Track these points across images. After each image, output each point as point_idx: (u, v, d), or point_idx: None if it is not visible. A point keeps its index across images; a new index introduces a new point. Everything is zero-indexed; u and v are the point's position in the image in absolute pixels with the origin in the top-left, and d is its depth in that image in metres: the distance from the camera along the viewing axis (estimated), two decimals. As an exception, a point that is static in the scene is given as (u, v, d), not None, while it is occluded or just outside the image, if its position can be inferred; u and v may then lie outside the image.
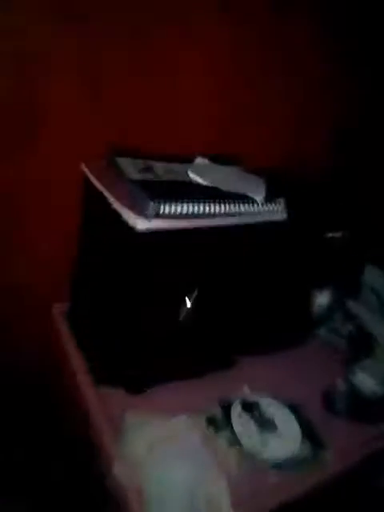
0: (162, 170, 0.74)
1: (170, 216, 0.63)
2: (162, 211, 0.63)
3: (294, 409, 0.85)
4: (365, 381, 0.95)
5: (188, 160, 0.80)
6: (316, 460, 0.78)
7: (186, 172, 0.75)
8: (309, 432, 0.82)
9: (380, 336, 1.09)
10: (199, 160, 0.80)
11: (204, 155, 0.82)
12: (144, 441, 0.73)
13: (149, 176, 0.71)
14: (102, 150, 0.77)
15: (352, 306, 1.18)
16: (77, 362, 0.84)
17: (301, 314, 0.90)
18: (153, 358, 0.79)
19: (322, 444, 0.80)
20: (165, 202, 0.63)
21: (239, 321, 0.84)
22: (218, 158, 0.83)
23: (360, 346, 1.07)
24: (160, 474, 0.69)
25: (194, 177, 0.74)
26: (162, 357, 0.79)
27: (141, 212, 0.62)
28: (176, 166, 0.77)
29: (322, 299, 0.89)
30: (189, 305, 0.73)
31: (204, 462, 0.72)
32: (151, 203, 0.62)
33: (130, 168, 0.71)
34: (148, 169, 0.73)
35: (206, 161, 0.81)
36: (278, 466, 0.75)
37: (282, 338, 0.94)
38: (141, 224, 0.61)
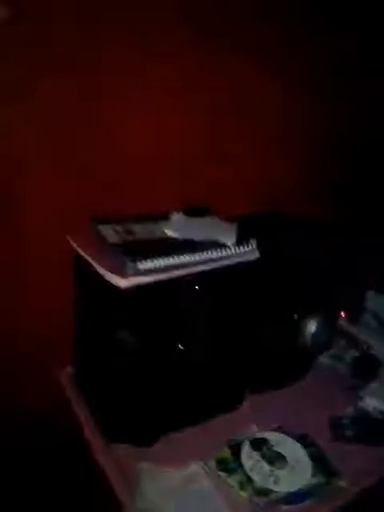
0: (140, 230, 0.82)
1: (149, 271, 0.70)
2: (141, 268, 0.69)
3: (303, 440, 0.86)
4: (372, 404, 0.96)
5: (164, 217, 0.88)
6: (330, 488, 0.78)
7: (163, 229, 0.83)
8: (320, 461, 0.83)
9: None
10: (175, 216, 0.88)
11: (178, 210, 0.90)
12: (159, 491, 0.75)
13: (128, 238, 0.78)
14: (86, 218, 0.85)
15: (353, 330, 1.21)
16: (87, 423, 0.87)
17: (294, 345, 0.93)
18: (158, 411, 0.82)
19: (334, 472, 0.81)
20: (142, 260, 0.70)
21: (235, 360, 0.87)
22: (192, 211, 0.91)
23: (364, 370, 1.09)
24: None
25: (169, 233, 0.81)
26: (166, 407, 0.82)
27: (122, 272, 0.69)
28: (153, 225, 0.85)
29: (311, 327, 0.92)
30: (181, 348, 0.77)
31: (218, 507, 0.74)
32: (130, 263, 0.68)
33: (111, 233, 0.79)
34: (127, 231, 0.80)
35: (181, 215, 0.89)
36: (292, 499, 0.76)
37: (281, 371, 0.96)
38: (124, 282, 0.67)
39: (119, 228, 0.81)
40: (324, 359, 1.12)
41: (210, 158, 1.09)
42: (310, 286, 0.94)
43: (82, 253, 0.77)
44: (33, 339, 0.94)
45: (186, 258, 0.74)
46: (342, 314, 1.21)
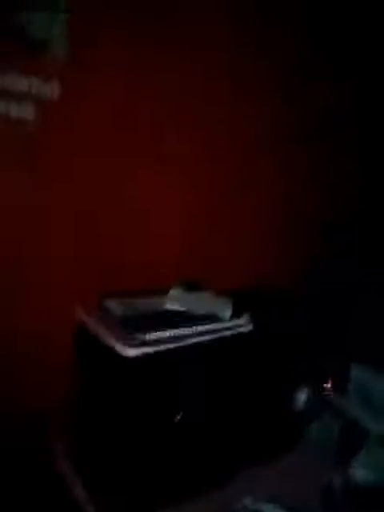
0: (143, 305, 0.90)
1: (153, 342, 0.77)
2: (147, 338, 0.76)
3: (293, 510, 0.88)
4: (360, 472, 0.99)
5: (164, 291, 0.96)
6: None
7: (163, 302, 0.91)
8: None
9: (370, 428, 1.15)
10: (173, 291, 0.97)
11: (177, 285, 0.99)
12: None
13: (133, 312, 0.86)
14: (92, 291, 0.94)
15: (340, 402, 1.25)
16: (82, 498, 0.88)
17: (285, 415, 0.98)
18: (153, 484, 0.84)
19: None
20: (148, 332, 0.77)
21: (229, 430, 0.91)
22: (189, 286, 1.00)
23: (352, 439, 1.12)
24: None
25: (170, 306, 0.90)
26: (162, 481, 0.84)
27: (129, 342, 0.75)
28: (155, 300, 0.93)
29: (301, 397, 0.98)
30: (178, 420, 0.82)
31: None
32: (137, 334, 0.75)
33: (117, 307, 0.86)
34: (131, 306, 0.88)
35: (179, 290, 0.97)
36: None
37: (272, 443, 1.00)
38: (131, 352, 0.74)
39: (124, 302, 0.89)
40: (312, 431, 1.15)
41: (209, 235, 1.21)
42: (300, 357, 1.02)
43: (92, 324, 0.84)
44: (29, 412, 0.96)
45: (187, 330, 0.81)
46: (328, 384, 1.27)
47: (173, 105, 1.11)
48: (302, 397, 0.97)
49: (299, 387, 0.98)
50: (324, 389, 1.18)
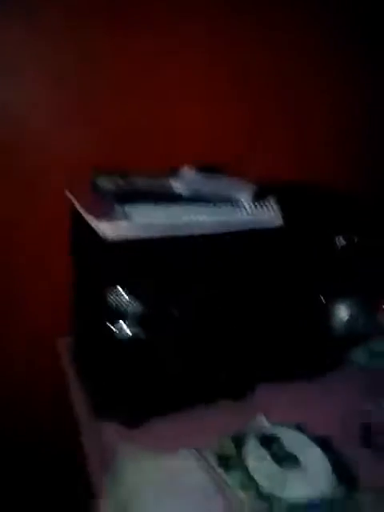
0: (143, 183, 0.72)
1: (143, 224, 0.60)
2: (134, 218, 0.60)
3: (324, 443, 0.72)
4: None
5: (174, 173, 0.78)
6: (350, 504, 0.64)
7: (170, 183, 0.73)
8: (341, 469, 0.68)
9: None
10: (186, 171, 0.78)
11: (192, 167, 0.80)
12: (137, 479, 0.64)
13: (127, 187, 0.69)
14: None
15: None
16: (77, 394, 0.79)
17: (320, 333, 0.79)
18: (153, 386, 0.72)
19: (357, 485, 0.66)
20: (137, 208, 0.60)
21: (247, 342, 0.75)
22: (207, 169, 0.80)
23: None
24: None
25: (176, 185, 0.71)
26: (164, 384, 0.72)
27: (111, 219, 0.59)
28: (159, 180, 0.75)
29: (342, 313, 0.78)
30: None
31: (209, 505, 0.62)
32: (120, 208, 0.59)
33: (110, 185, 0.70)
34: (128, 183, 0.71)
35: (193, 172, 0.78)
36: (301, 508, 0.62)
37: (304, 361, 0.83)
38: (111, 231, 0.58)
39: (121, 181, 0.72)
40: (361, 356, 0.96)
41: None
42: (346, 265, 0.80)
43: (77, 204, 0.69)
44: (32, 301, 0.88)
45: (191, 214, 0.63)
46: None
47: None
48: (343, 313, 0.77)
49: (342, 300, 0.78)
50: (376, 306, 0.97)
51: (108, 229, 0.57)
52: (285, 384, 0.84)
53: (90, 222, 0.60)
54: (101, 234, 0.58)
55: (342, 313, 0.78)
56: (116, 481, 0.63)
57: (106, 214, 0.60)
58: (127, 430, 0.71)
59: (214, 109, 0.98)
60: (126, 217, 0.59)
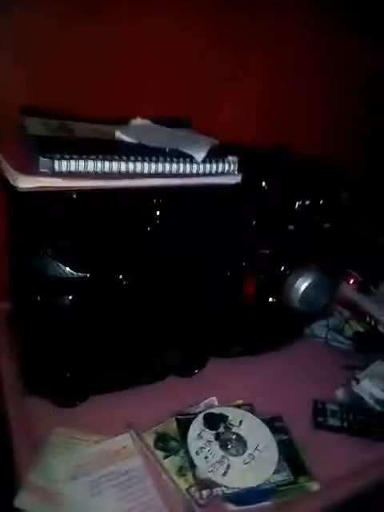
0: (82, 129, 0.61)
1: (68, 174, 0.50)
2: (57, 168, 0.49)
3: (273, 423, 0.68)
4: (368, 389, 0.76)
5: (124, 121, 0.67)
6: (295, 490, 0.60)
7: (114, 132, 0.62)
8: (289, 453, 0.64)
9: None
10: (137, 121, 0.67)
11: (146, 117, 0.69)
12: (67, 465, 0.58)
13: (59, 134, 0.58)
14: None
15: (361, 300, 0.99)
16: (7, 365, 0.71)
17: (277, 304, 0.72)
18: (90, 361, 0.64)
19: (305, 469, 0.62)
20: (62, 156, 0.50)
21: (196, 312, 0.68)
22: (166, 121, 0.69)
23: (368, 348, 0.88)
24: (82, 510, 0.54)
25: (120, 135, 0.61)
26: (102, 359, 0.64)
27: (29, 168, 0.49)
28: (104, 127, 0.64)
29: (302, 284, 0.71)
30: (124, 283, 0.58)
31: (142, 492, 0.56)
32: (40, 157, 0.48)
33: (38, 127, 0.58)
34: (63, 128, 0.60)
35: (147, 121, 0.68)
36: (243, 498, 0.58)
37: (258, 334, 0.77)
38: (24, 182, 0.47)
39: (54, 123, 0.61)
40: (318, 330, 0.92)
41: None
42: (309, 235, 0.73)
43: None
44: None
45: (130, 165, 0.53)
46: (352, 278, 1.00)
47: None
48: (304, 283, 0.70)
49: (303, 270, 0.71)
50: (342, 279, 0.92)
51: (24, 181, 0.47)
52: (238, 358, 0.79)
53: (5, 171, 0.50)
54: (13, 184, 0.48)
55: (302, 284, 0.71)
56: (45, 465, 0.56)
57: (26, 165, 0.50)
58: (61, 409, 0.64)
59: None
60: (48, 169, 0.49)
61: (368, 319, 0.95)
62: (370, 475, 0.64)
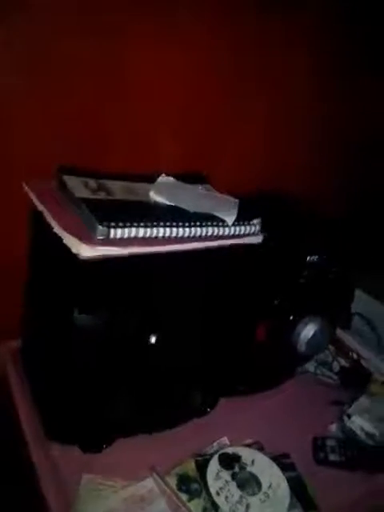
0: (118, 189, 0.65)
1: (122, 241, 0.54)
2: (112, 235, 0.53)
3: (282, 461, 0.73)
4: (360, 424, 0.83)
5: (150, 179, 0.71)
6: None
7: (147, 192, 0.66)
8: (299, 490, 0.70)
9: (376, 370, 0.99)
10: (163, 178, 0.71)
11: (169, 174, 0.74)
12: (101, 510, 0.60)
13: (101, 195, 0.61)
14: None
15: (343, 337, 1.08)
16: (26, 411, 0.72)
17: (283, 348, 0.79)
18: (114, 409, 0.67)
19: (314, 505, 0.68)
20: (117, 225, 0.53)
21: (212, 358, 0.73)
22: (185, 177, 0.74)
23: (353, 382, 0.97)
24: None
25: (154, 196, 0.65)
26: (123, 406, 0.67)
27: (87, 236, 0.52)
28: (136, 186, 0.68)
29: (307, 332, 0.78)
30: (153, 341, 0.62)
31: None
32: (99, 226, 0.52)
33: (80, 187, 0.61)
34: (102, 188, 0.63)
35: (171, 179, 0.72)
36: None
37: (261, 374, 0.83)
38: (86, 251, 0.51)
39: (92, 183, 0.64)
40: (309, 366, 0.99)
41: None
42: (315, 285, 0.80)
43: (40, 205, 0.60)
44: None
45: (173, 231, 0.58)
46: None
47: None
48: (310, 330, 0.77)
49: (308, 317, 0.78)
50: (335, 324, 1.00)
51: (87, 250, 0.50)
52: (243, 398, 0.84)
53: (62, 236, 0.53)
54: (75, 252, 0.51)
55: (309, 332, 0.78)
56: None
57: (81, 231, 0.53)
58: (87, 455, 0.66)
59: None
60: (104, 236, 0.52)
61: (351, 354, 1.04)
62: (368, 504, 0.72)
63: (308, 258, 0.75)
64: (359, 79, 1.10)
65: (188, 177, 0.75)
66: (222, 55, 0.89)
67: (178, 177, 0.74)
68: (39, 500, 0.61)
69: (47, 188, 0.65)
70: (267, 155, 1.05)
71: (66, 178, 0.63)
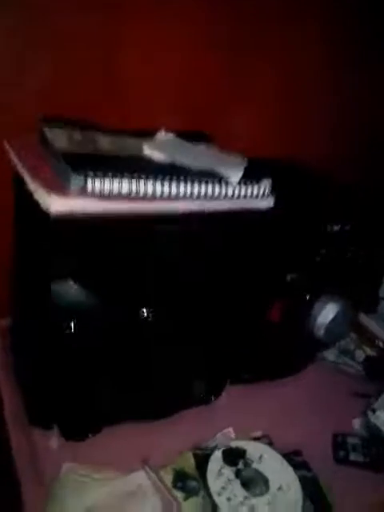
0: (107, 143, 0.57)
1: (102, 195, 0.45)
2: (90, 188, 0.45)
3: (293, 459, 0.64)
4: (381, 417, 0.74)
5: (147, 134, 0.62)
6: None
7: (140, 148, 0.58)
8: (313, 491, 0.61)
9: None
10: (162, 135, 0.63)
11: (169, 130, 0.65)
12: (81, 506, 0.53)
13: (87, 148, 0.53)
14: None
15: (368, 323, 0.98)
16: (10, 393, 0.66)
17: (299, 332, 0.69)
18: (103, 392, 0.60)
19: (331, 510, 0.59)
20: (95, 174, 0.45)
21: (217, 339, 0.64)
22: (187, 135, 0.66)
23: (380, 373, 0.86)
24: None
25: (149, 152, 0.56)
26: (115, 390, 0.60)
27: (59, 188, 0.44)
28: (129, 141, 0.59)
29: (325, 313, 0.68)
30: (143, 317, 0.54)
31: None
32: (73, 174, 0.44)
33: (63, 140, 0.54)
34: (88, 141, 0.55)
35: (171, 136, 0.64)
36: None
37: (273, 359, 0.74)
38: (57, 204, 0.43)
39: (78, 135, 0.56)
40: (329, 355, 0.89)
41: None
42: (330, 260, 0.70)
43: (16, 161, 0.52)
44: None
45: (165, 187, 0.49)
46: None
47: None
48: (330, 313, 0.67)
49: (327, 299, 0.68)
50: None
51: (57, 203, 0.42)
52: (254, 385, 0.76)
53: (33, 190, 0.45)
54: (44, 208, 0.43)
55: (328, 312, 0.68)
56: (56, 507, 0.52)
57: (55, 183, 0.45)
58: (70, 443, 0.59)
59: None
60: (80, 189, 0.44)
61: (377, 342, 0.93)
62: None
63: (327, 228, 0.65)
64: (370, 52, 1.00)
65: (190, 135, 0.66)
66: (221, 29, 0.82)
67: (178, 134, 0.65)
68: (14, 488, 0.54)
69: (29, 143, 0.57)
70: (275, 133, 0.95)
71: (47, 130, 0.55)
